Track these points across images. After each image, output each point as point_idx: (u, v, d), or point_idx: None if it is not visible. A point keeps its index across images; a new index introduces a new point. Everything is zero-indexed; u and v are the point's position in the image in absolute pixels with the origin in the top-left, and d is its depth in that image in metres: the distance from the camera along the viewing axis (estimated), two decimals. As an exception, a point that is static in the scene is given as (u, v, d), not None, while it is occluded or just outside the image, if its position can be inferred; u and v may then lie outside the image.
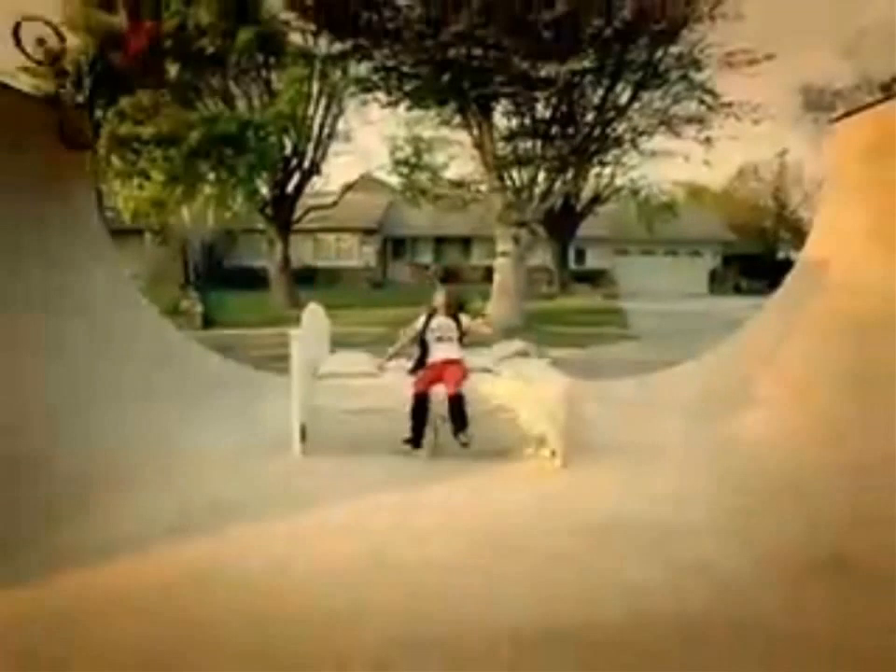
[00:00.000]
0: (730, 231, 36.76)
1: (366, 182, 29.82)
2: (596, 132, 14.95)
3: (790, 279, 7.55)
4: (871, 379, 5.09)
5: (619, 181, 25.45)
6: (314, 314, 6.52)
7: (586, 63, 11.59)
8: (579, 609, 2.96)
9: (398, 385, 5.61)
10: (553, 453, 5.26)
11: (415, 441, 5.35)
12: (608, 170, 24.53)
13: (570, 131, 14.22)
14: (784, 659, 2.60)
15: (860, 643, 2.66)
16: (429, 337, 5.87)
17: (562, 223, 27.22)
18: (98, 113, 14.15)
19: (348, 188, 23.70)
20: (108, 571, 3.28)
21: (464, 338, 5.93)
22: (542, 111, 13.91)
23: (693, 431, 5.81)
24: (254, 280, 27.16)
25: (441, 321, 5.93)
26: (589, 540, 3.68)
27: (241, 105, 17.23)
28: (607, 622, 2.84)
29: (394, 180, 22.07)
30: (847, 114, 8.54)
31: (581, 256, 35.89)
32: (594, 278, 33.41)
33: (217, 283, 26.69)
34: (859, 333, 5.39)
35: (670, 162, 30.80)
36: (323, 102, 18.23)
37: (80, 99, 7.12)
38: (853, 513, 3.94)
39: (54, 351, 5.47)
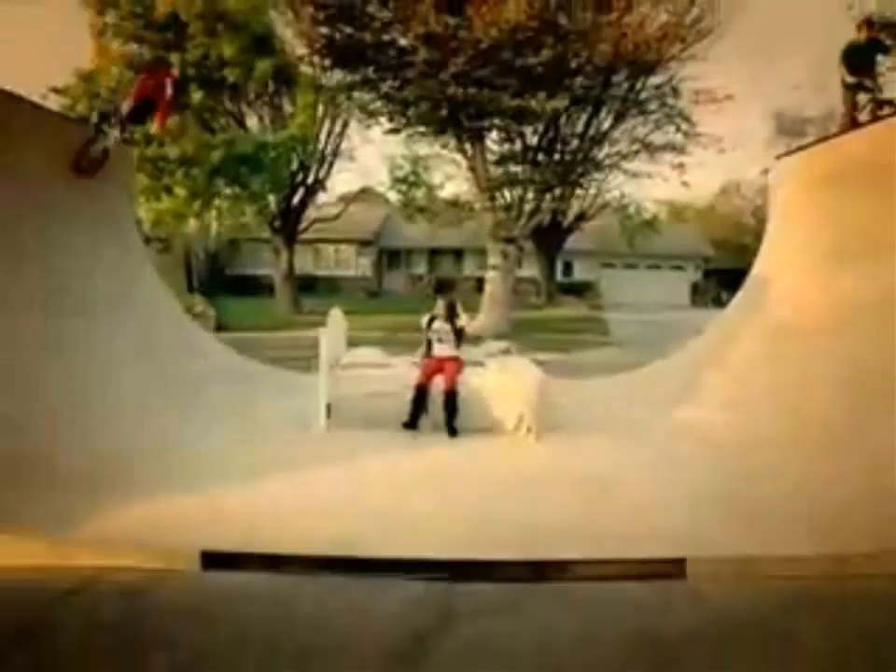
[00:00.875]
0: (711, 247, 38.41)
1: (365, 195, 31.25)
2: (580, 157, 16.48)
3: (741, 293, 9.12)
4: (806, 375, 6.50)
5: (603, 199, 27.03)
6: (335, 317, 7.97)
7: (566, 102, 13.08)
8: (527, 516, 4.39)
9: (402, 374, 7.04)
10: (529, 429, 6.67)
11: (412, 424, 6.76)
12: (593, 189, 26.15)
13: (556, 157, 15.73)
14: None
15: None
16: (432, 337, 7.26)
17: (549, 238, 28.75)
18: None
19: (350, 202, 25.11)
20: (218, 492, 4.68)
21: (461, 337, 7.29)
22: (530, 139, 15.40)
23: (642, 417, 7.26)
24: (256, 287, 28.52)
25: (440, 325, 7.28)
26: (546, 484, 5.12)
27: (252, 125, 18.68)
28: (542, 530, 4.27)
29: (392, 196, 23.51)
30: (789, 153, 10.14)
31: (568, 268, 37.46)
32: (580, 290, 34.95)
33: (219, 290, 27.92)
34: (798, 338, 6.82)
35: (653, 182, 32.46)
36: (329, 124, 19.71)
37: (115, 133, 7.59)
38: (755, 470, 5.36)
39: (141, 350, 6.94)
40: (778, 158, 10.27)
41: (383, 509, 4.55)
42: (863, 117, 8.98)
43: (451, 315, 7.36)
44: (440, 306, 7.44)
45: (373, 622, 3.22)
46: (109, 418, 5.99)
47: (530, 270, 31.91)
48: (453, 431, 6.64)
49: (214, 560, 3.83)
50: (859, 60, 9.11)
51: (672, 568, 3.93)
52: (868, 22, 9.50)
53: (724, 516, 4.40)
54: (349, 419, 6.82)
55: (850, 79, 9.08)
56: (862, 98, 9.17)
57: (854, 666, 2.95)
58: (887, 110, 8.86)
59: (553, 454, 6.09)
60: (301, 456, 5.76)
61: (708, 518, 4.40)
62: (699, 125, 17.84)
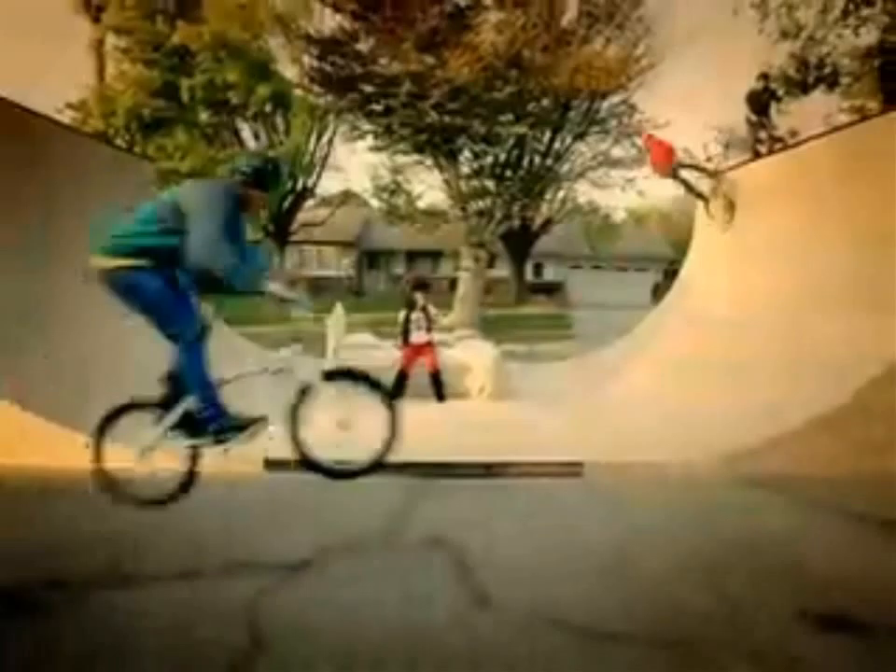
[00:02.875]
0: (672, 249, 41.05)
1: (347, 198, 33.27)
2: (543, 171, 18.71)
3: (670, 293, 11.47)
4: (718, 363, 8.71)
5: (569, 206, 29.36)
6: (337, 311, 10.05)
7: (527, 128, 15.32)
8: (482, 441, 6.57)
9: (389, 354, 9.14)
10: (490, 395, 8.85)
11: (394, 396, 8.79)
12: (560, 194, 28.42)
13: (521, 172, 17.95)
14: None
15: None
16: (411, 326, 8.74)
17: (519, 242, 31.04)
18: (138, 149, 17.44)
19: (336, 207, 27.16)
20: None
21: (432, 326, 9.08)
22: (499, 156, 17.57)
23: (572, 389, 9.50)
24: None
25: (417, 315, 8.75)
26: (495, 426, 7.32)
27: (248, 141, 20.68)
28: (490, 448, 6.45)
29: (375, 203, 25.59)
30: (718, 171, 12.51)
31: (539, 270, 39.87)
32: (550, 290, 37.36)
33: (208, 288, 29.67)
34: (713, 327, 9.02)
35: (616, 190, 34.76)
36: (319, 139, 21.78)
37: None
38: (647, 424, 7.58)
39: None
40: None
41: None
42: (763, 149, 11.39)
43: (426, 309, 9.06)
44: (417, 299, 9.05)
45: (377, 499, 5.37)
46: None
47: (503, 271, 34.30)
48: (441, 398, 8.72)
49: (275, 465, 5.95)
50: (757, 104, 11.53)
51: (572, 469, 6.14)
52: (764, 75, 11.92)
53: (610, 441, 6.64)
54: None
55: (752, 118, 11.52)
56: (762, 134, 11.59)
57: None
58: (779, 145, 11.33)
59: (503, 409, 8.31)
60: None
61: (599, 444, 6.64)
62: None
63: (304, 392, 3.94)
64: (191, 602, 3.14)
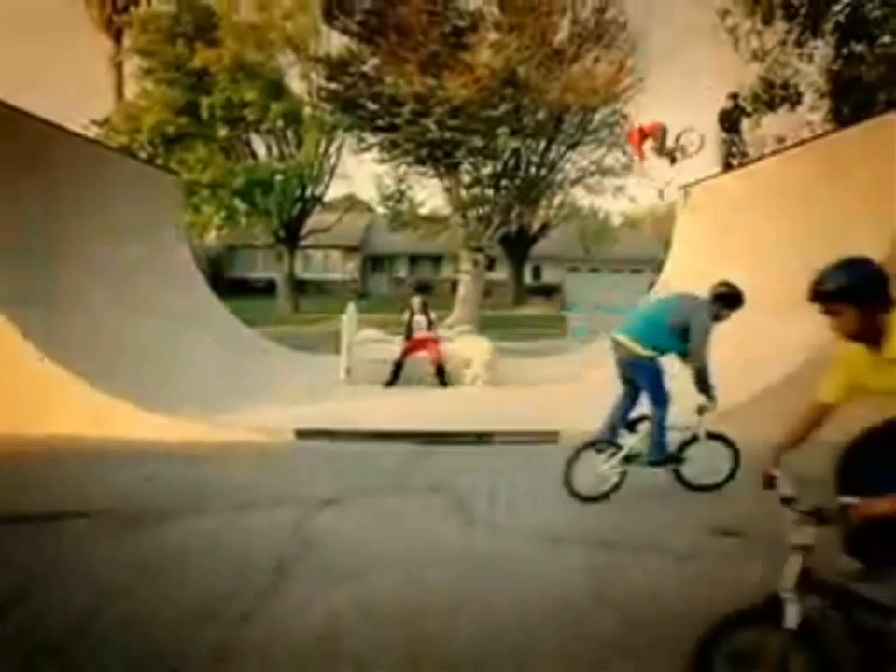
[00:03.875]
0: (665, 251, 42.29)
1: (351, 203, 34.59)
2: (538, 180, 20.03)
3: (651, 293, 12.84)
4: None
5: (564, 211, 30.71)
6: (350, 310, 11.35)
7: (521, 142, 16.68)
8: (474, 414, 7.87)
9: (396, 349, 10.43)
10: (485, 382, 10.15)
11: (391, 383, 9.88)
12: (557, 200, 29.73)
13: (517, 181, 19.27)
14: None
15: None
16: (414, 327, 10.17)
17: (517, 245, 32.36)
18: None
19: (343, 213, 28.52)
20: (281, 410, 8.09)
21: (433, 323, 10.37)
22: (496, 167, 18.88)
23: (554, 377, 10.81)
24: (250, 289, 31.68)
25: (419, 318, 10.19)
26: (486, 403, 8.63)
27: (261, 153, 22.08)
28: (481, 419, 7.76)
29: (380, 210, 26.95)
30: (688, 185, 13.88)
31: (537, 272, 41.17)
32: (548, 292, 38.63)
33: (219, 292, 31.04)
34: None
35: (606, 196, 36.08)
36: (328, 150, 23.12)
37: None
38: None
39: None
40: (681, 188, 14.17)
41: (388, 417, 8.03)
42: (735, 162, 12.73)
43: (425, 309, 10.33)
44: (416, 303, 10.23)
45: (385, 457, 6.69)
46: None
47: (502, 274, 35.62)
48: (444, 384, 10.02)
49: (304, 434, 7.27)
50: (728, 122, 12.87)
51: (550, 437, 7.44)
52: (733, 95, 13.25)
53: (584, 416, 7.96)
54: (361, 378, 10.24)
55: (723, 135, 12.86)
56: (734, 149, 12.92)
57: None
58: (747, 159, 12.68)
59: (493, 393, 9.66)
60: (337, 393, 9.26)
61: (574, 418, 7.96)
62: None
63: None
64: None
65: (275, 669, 2.93)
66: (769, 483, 2.51)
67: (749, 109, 13.89)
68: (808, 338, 7.48)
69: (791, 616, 2.09)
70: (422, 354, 10.20)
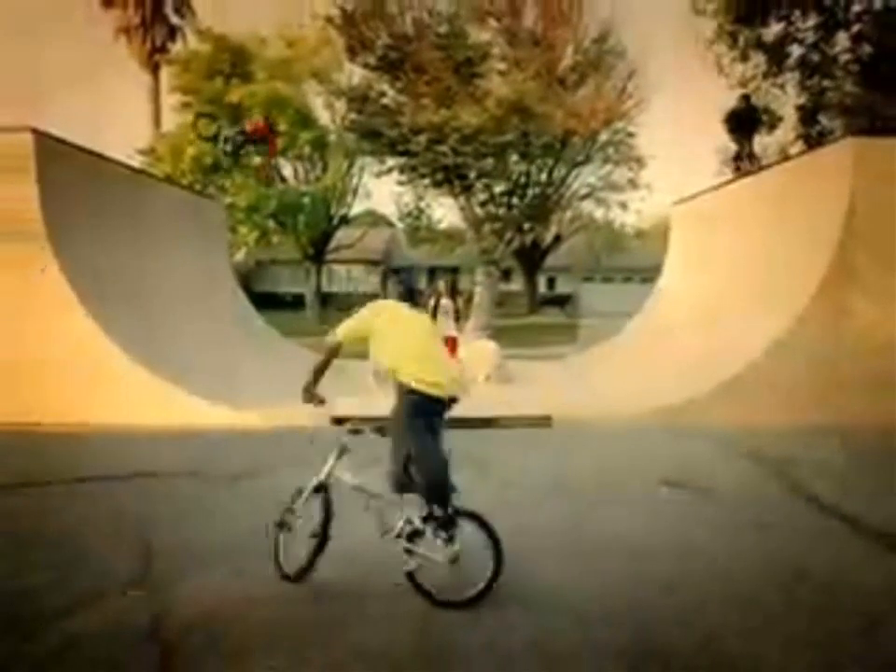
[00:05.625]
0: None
1: (376, 219, 36.43)
2: (548, 196, 21.60)
3: (648, 301, 14.39)
4: (677, 352, 11.59)
5: (575, 224, 32.23)
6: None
7: (528, 165, 18.32)
8: (483, 405, 9.44)
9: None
10: (492, 380, 11.71)
11: None
12: (568, 214, 31.23)
13: (526, 200, 20.86)
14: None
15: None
16: (439, 312, 10.92)
17: (530, 257, 33.90)
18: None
19: (366, 231, 30.31)
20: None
21: (458, 313, 11.27)
22: (506, 187, 20.48)
23: (555, 377, 12.34)
24: (278, 303, 33.50)
25: (446, 301, 10.97)
26: (495, 398, 10.17)
27: (288, 176, 23.95)
28: (490, 408, 9.32)
29: (399, 225, 28.68)
30: (681, 201, 15.37)
31: (551, 282, 42.67)
32: (562, 301, 40.05)
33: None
34: (683, 327, 11.85)
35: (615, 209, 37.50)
36: (348, 171, 24.93)
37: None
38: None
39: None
40: (674, 204, 15.74)
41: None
42: (743, 166, 14.09)
43: (453, 293, 10.93)
44: (441, 286, 11.00)
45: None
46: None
47: (518, 284, 37.16)
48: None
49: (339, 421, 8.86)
50: (736, 124, 14.15)
51: (545, 421, 8.97)
52: (746, 97, 14.61)
53: (575, 405, 9.49)
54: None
55: (737, 140, 14.25)
56: (742, 152, 14.28)
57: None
58: (756, 164, 14.02)
59: (500, 389, 11.23)
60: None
61: (566, 407, 9.50)
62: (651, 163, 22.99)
63: None
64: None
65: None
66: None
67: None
68: (769, 332, 9.06)
69: None
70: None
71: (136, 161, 21.17)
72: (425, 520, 3.70)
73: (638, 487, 6.07)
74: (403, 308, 4.23)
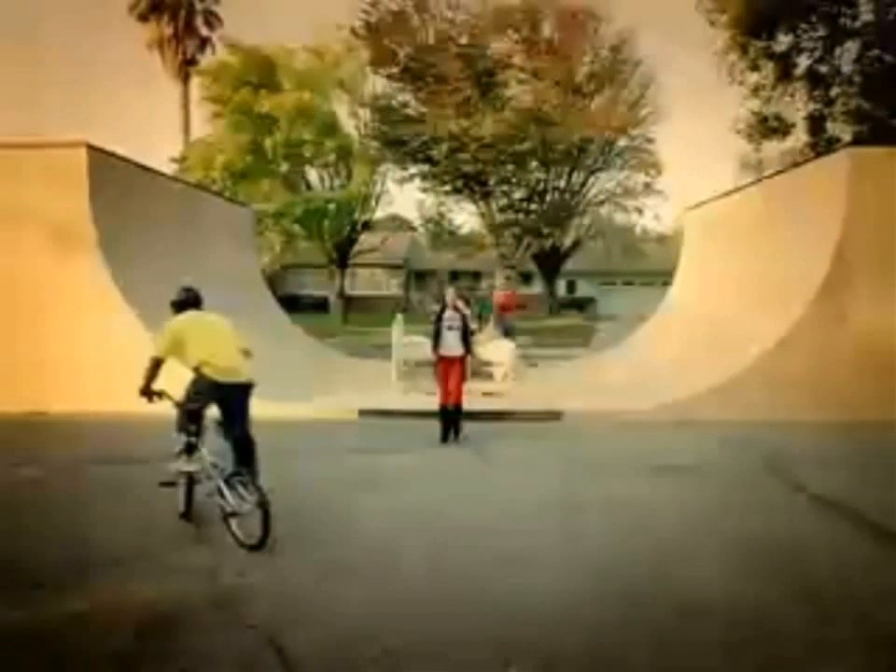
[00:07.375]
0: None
1: (398, 224, 37.21)
2: (564, 203, 22.15)
3: (660, 307, 14.96)
4: (682, 349, 12.17)
5: (594, 229, 32.71)
6: (398, 321, 13.64)
7: (546, 173, 18.93)
8: (501, 401, 10.05)
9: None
10: (509, 378, 12.31)
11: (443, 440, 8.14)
12: (586, 219, 31.73)
13: (544, 206, 21.44)
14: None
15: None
16: (442, 326, 7.98)
17: (550, 261, 34.41)
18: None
19: (389, 235, 31.08)
20: (354, 395, 10.39)
21: (468, 327, 8.29)
22: (525, 193, 21.08)
23: (567, 378, 12.90)
24: (300, 305, 34.32)
25: (449, 314, 8.02)
26: (511, 394, 10.78)
27: (314, 183, 24.76)
28: (506, 403, 9.93)
29: (421, 230, 29.41)
30: (693, 207, 15.86)
31: (572, 286, 43.08)
32: (582, 304, 40.53)
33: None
34: (689, 328, 12.40)
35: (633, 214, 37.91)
36: (372, 177, 25.69)
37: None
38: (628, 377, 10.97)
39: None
40: (687, 210, 16.24)
41: (429, 402, 10.26)
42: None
43: (461, 304, 8.32)
44: (450, 294, 8.17)
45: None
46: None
47: (538, 288, 37.67)
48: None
49: (366, 413, 9.53)
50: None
51: (554, 416, 9.56)
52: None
53: (583, 401, 10.07)
54: (408, 375, 12.48)
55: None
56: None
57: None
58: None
59: (518, 385, 11.82)
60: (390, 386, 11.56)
61: (575, 402, 10.08)
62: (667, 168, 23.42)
63: None
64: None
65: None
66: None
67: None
68: (770, 333, 9.59)
69: None
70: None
71: (169, 169, 22.11)
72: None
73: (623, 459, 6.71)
74: (206, 315, 5.33)
